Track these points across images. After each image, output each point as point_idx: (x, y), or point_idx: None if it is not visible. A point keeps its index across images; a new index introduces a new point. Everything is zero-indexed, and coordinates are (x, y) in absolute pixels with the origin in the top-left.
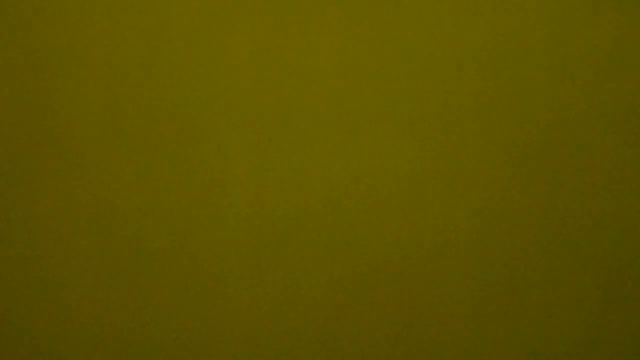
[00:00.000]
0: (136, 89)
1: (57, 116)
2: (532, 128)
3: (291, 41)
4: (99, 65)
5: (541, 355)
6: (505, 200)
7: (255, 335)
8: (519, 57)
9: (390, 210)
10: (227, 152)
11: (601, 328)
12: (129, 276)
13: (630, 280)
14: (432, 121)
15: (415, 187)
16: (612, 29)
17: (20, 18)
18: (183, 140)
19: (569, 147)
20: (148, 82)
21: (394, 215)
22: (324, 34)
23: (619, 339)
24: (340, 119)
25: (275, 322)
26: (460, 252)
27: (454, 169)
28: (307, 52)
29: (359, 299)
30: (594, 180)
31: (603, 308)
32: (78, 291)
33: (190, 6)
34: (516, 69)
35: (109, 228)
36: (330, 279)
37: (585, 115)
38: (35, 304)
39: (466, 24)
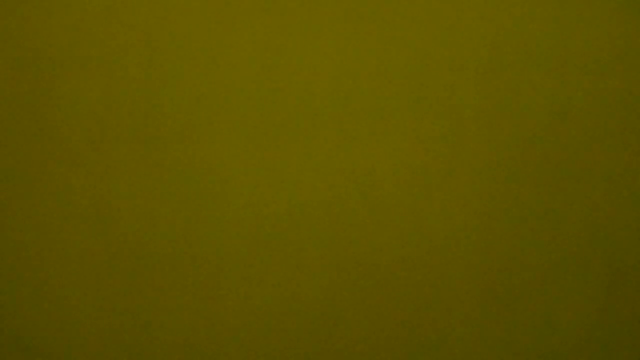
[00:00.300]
0: (136, 89)
1: (56, 116)
2: (532, 128)
3: (291, 41)
4: (98, 65)
5: (542, 355)
6: (505, 200)
7: (255, 334)
8: (519, 57)
9: (390, 209)
10: (227, 152)
11: (602, 328)
12: (127, 275)
13: (630, 280)
14: (432, 121)
15: (415, 187)
16: (612, 29)
17: (20, 18)
18: (183, 140)
19: (569, 147)
20: (148, 82)
21: (394, 214)
22: (324, 34)
23: (619, 339)
24: (340, 119)
25: (275, 321)
26: (461, 252)
27: (454, 169)
28: (307, 52)
29: (359, 298)
30: (595, 180)
31: (604, 308)
32: (77, 290)
33: (190, 6)
34: (516, 69)
35: (109, 227)
36: (330, 278)
37: (585, 115)
38: (35, 303)
39: (466, 24)
